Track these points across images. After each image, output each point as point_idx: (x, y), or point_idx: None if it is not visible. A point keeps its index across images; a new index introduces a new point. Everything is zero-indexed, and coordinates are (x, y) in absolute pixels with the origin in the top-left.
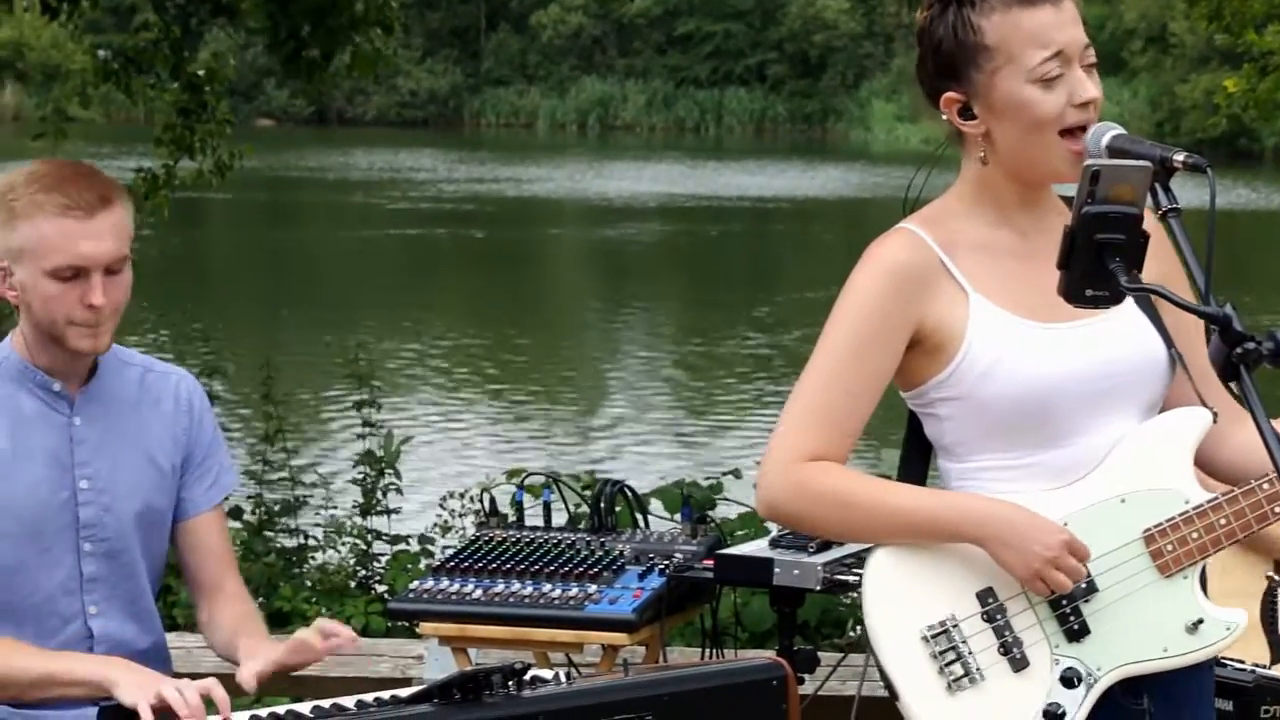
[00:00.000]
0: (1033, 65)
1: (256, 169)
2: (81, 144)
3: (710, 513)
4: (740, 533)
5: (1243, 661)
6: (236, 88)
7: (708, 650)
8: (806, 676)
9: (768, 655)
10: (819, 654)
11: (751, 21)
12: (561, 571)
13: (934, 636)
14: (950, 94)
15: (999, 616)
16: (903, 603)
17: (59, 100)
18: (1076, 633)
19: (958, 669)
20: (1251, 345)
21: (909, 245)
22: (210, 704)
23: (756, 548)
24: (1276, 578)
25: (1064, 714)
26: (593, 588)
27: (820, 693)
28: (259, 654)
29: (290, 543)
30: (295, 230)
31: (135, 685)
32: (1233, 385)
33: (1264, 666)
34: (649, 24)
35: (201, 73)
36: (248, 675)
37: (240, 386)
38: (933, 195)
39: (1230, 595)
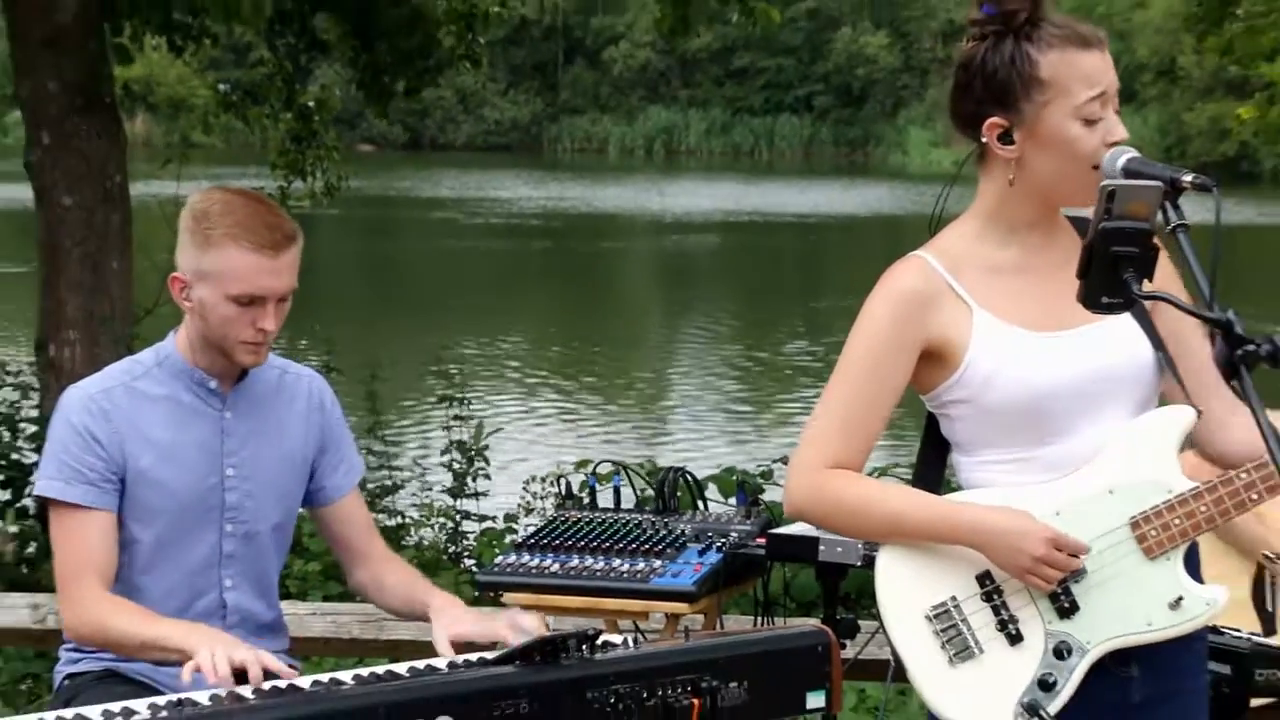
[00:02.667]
0: (1080, 103)
1: (358, 189)
2: (203, 166)
3: (762, 496)
4: None
5: (1239, 630)
6: (340, 116)
7: (760, 619)
8: (848, 642)
9: (813, 623)
10: (859, 622)
11: (801, 56)
12: (629, 548)
13: (937, 615)
14: (994, 119)
15: (996, 597)
16: (909, 586)
17: (184, 129)
18: (1067, 610)
19: (958, 644)
20: (1251, 347)
21: (917, 272)
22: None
23: (804, 528)
24: (1270, 557)
25: (1055, 683)
26: (657, 563)
27: (860, 657)
28: (454, 620)
29: (390, 522)
30: (392, 243)
31: (205, 641)
32: (1234, 383)
33: (1259, 636)
34: (709, 58)
35: (311, 103)
36: (444, 642)
37: (345, 383)
38: (958, 211)
39: (1220, 577)
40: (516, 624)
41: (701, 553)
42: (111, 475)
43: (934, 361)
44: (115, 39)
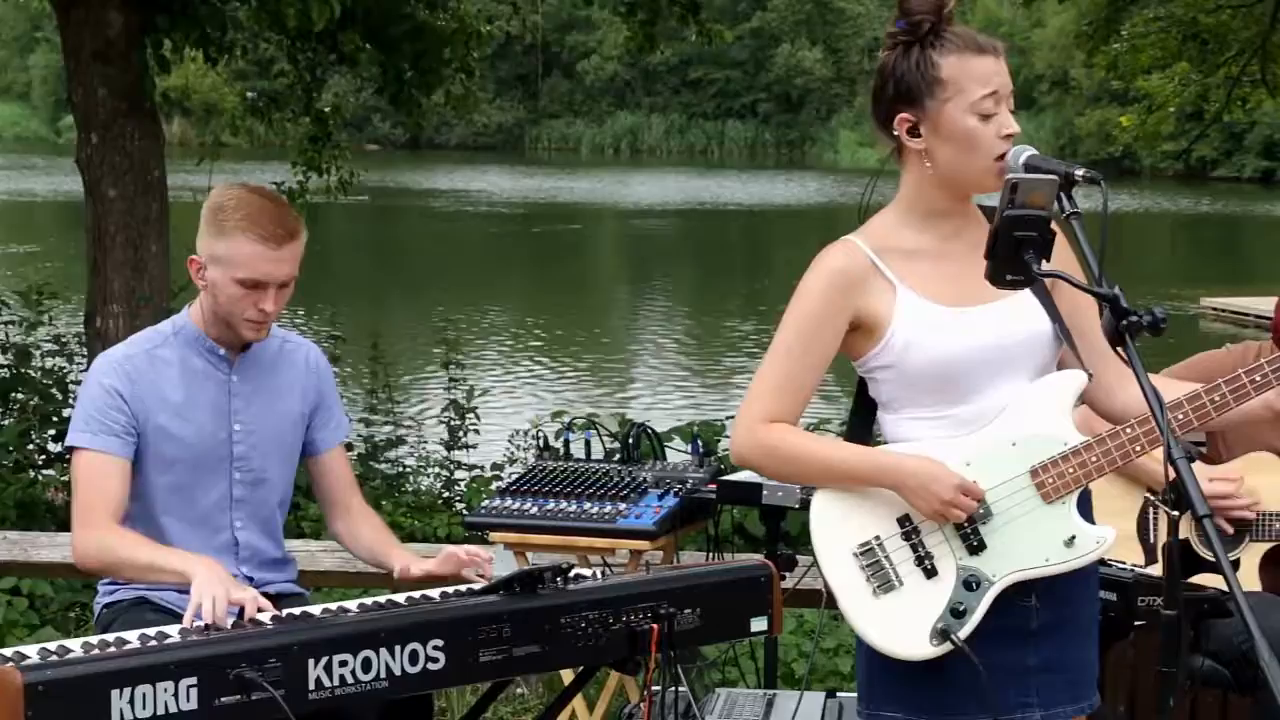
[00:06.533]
0: (975, 99)
1: (365, 182)
2: (231, 163)
3: (715, 448)
4: None
5: (1124, 562)
6: (350, 120)
7: (711, 554)
8: (788, 574)
9: (757, 558)
10: (797, 557)
11: (747, 69)
12: (598, 493)
13: (863, 552)
14: (904, 115)
15: (914, 536)
16: (838, 527)
17: (215, 131)
18: (976, 547)
19: (881, 577)
20: (1135, 318)
21: (846, 253)
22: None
23: (750, 475)
24: (1151, 498)
25: (965, 610)
26: (623, 506)
27: (798, 587)
28: (414, 564)
29: (391, 471)
30: (393, 228)
31: (204, 584)
32: (1120, 350)
33: (1141, 567)
34: (668, 70)
35: (326, 109)
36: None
37: (352, 349)
38: (884, 201)
39: (1109, 514)
40: (470, 551)
41: (661, 497)
42: (131, 429)
43: (862, 333)
44: (157, 51)
